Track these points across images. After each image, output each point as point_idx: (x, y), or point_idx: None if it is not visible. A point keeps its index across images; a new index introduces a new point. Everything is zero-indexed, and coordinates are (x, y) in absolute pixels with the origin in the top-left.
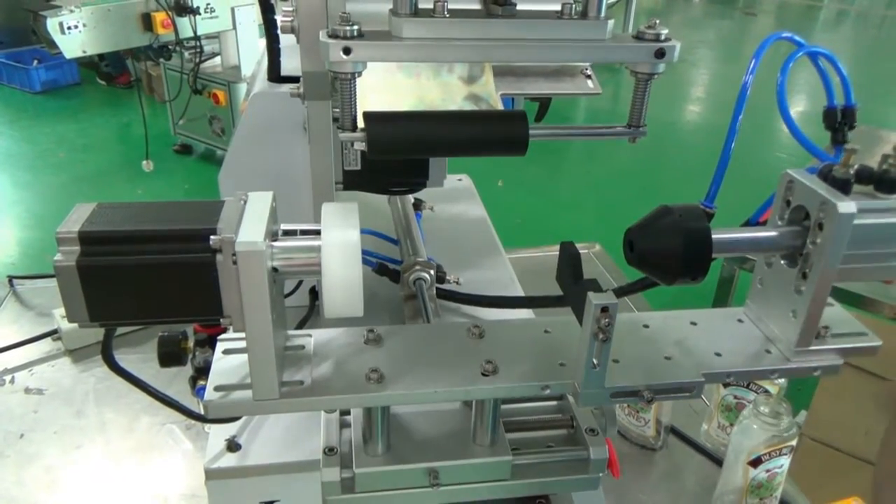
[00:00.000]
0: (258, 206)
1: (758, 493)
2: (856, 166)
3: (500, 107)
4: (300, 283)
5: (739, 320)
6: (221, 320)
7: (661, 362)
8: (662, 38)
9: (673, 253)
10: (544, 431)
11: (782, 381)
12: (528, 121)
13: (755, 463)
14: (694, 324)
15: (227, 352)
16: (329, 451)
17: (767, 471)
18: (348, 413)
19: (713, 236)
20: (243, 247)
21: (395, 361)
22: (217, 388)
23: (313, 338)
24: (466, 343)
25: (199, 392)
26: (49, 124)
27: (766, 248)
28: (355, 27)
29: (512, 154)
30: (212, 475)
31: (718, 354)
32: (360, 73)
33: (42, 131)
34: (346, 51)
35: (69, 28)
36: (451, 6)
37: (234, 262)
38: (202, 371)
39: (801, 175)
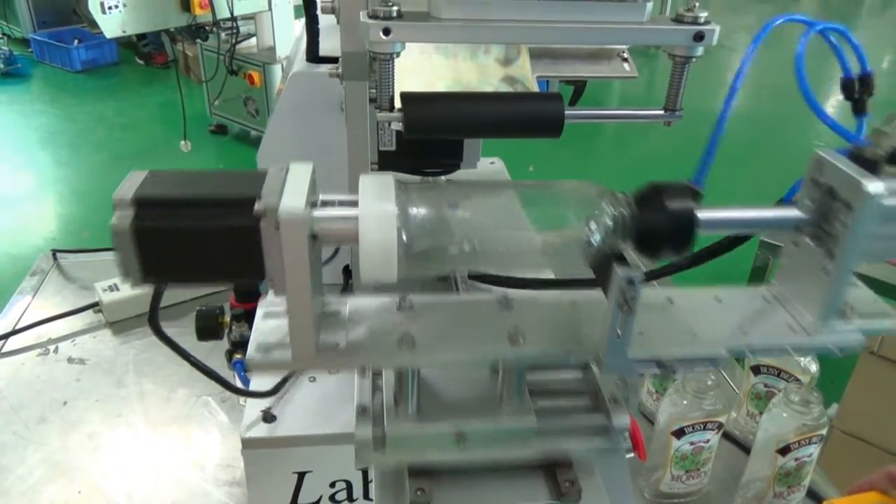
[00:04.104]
0: (299, 175)
1: (786, 481)
2: (887, 149)
3: (535, 89)
4: (334, 255)
5: (764, 298)
6: (263, 283)
7: (684, 335)
8: (701, 20)
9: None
10: (568, 400)
11: (814, 370)
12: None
13: (784, 451)
14: (719, 300)
15: (267, 315)
16: (362, 410)
17: (796, 459)
18: (380, 377)
19: (699, 214)
20: (286, 214)
21: (426, 327)
22: (259, 348)
23: (348, 304)
24: (495, 312)
25: (235, 365)
26: (89, 103)
27: (757, 226)
28: (395, 8)
29: (547, 136)
30: (248, 444)
31: (741, 329)
32: (398, 54)
33: (82, 110)
34: (386, 31)
35: (110, 8)
36: None
37: (277, 228)
38: (238, 345)
39: (829, 155)
